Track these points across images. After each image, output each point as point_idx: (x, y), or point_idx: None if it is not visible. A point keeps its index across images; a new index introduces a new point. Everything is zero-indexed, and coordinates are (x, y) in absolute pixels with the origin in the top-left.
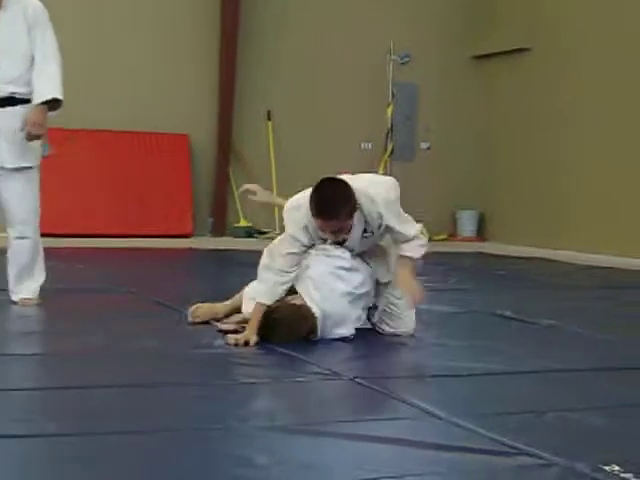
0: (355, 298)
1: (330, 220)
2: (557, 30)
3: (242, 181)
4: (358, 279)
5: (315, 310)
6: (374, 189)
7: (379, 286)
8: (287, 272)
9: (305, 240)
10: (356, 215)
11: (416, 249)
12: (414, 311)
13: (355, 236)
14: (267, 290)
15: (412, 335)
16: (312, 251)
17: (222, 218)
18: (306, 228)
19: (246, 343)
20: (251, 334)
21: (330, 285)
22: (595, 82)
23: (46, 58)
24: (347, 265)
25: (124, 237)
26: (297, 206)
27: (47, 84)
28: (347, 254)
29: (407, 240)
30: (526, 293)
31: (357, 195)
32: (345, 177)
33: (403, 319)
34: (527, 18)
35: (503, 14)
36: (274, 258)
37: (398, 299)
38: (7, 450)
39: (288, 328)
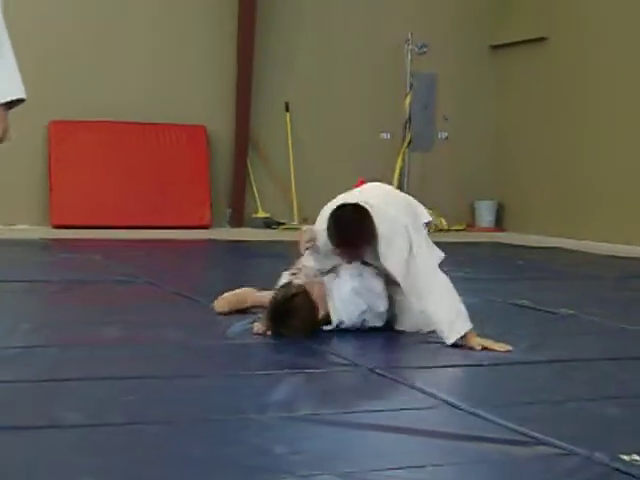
0: (374, 316)
1: (347, 247)
2: (574, 19)
3: (260, 172)
4: (382, 305)
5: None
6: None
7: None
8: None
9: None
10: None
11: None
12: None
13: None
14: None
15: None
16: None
17: (240, 209)
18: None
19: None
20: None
21: (353, 302)
22: (613, 71)
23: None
24: (377, 289)
25: (142, 229)
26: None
27: (7, 81)
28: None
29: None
30: (544, 283)
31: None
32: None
33: (406, 317)
34: (544, 7)
35: (520, 3)
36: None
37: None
38: (26, 441)
39: (301, 315)
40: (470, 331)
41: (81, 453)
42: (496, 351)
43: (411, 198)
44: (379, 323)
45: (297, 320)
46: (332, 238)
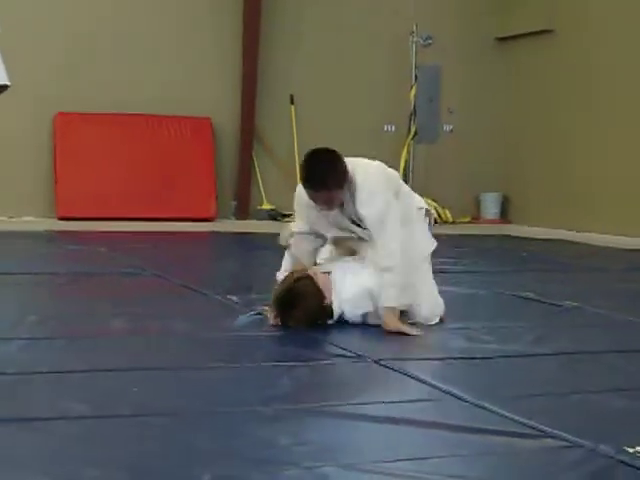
0: (377, 317)
1: (318, 191)
2: (580, 11)
3: (265, 164)
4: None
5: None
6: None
7: None
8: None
9: (308, 216)
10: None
11: (391, 293)
12: (438, 300)
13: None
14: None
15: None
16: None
17: (245, 201)
18: (308, 205)
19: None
20: None
21: (361, 303)
22: (618, 63)
23: None
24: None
25: (148, 221)
26: (298, 193)
27: None
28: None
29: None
30: (549, 275)
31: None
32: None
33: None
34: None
35: None
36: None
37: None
38: (33, 432)
39: (307, 301)
40: (394, 309)
41: (87, 444)
42: (406, 334)
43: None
44: (380, 322)
45: (302, 307)
46: (304, 181)
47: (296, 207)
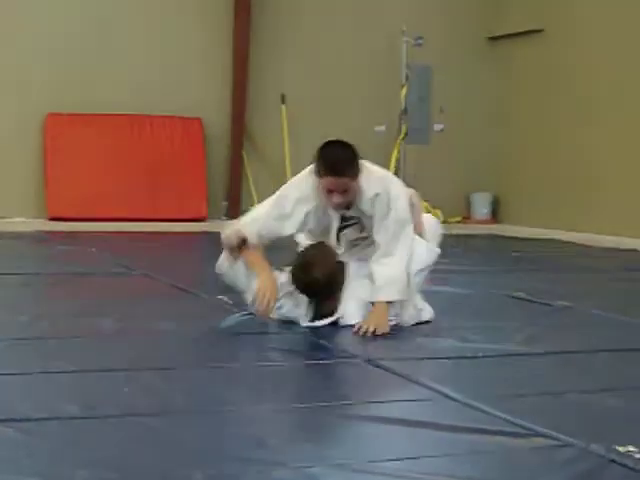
0: None
1: (340, 177)
2: (570, 11)
3: (256, 165)
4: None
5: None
6: (379, 170)
7: None
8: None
9: (291, 212)
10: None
11: (391, 288)
12: (416, 301)
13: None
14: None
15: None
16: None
17: (236, 201)
18: (302, 201)
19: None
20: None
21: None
22: (609, 63)
23: None
24: None
25: (138, 221)
26: (298, 185)
27: None
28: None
29: (386, 261)
30: (540, 275)
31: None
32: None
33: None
34: None
35: None
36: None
37: None
38: (22, 433)
39: (324, 261)
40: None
41: (77, 445)
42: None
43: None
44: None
45: (321, 266)
46: (328, 166)
47: (283, 207)
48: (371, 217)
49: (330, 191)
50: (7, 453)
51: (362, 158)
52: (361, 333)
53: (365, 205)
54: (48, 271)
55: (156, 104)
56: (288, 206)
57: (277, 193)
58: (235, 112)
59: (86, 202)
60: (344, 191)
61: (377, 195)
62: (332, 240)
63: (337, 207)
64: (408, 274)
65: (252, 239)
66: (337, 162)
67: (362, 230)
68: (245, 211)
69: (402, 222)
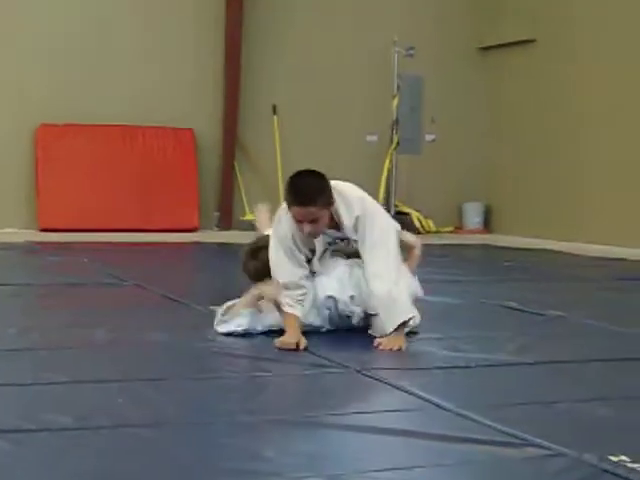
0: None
1: (307, 206)
2: (562, 21)
3: (248, 175)
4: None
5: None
6: (355, 192)
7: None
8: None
9: (296, 247)
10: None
11: (397, 312)
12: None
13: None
14: (292, 301)
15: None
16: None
17: (228, 212)
18: (293, 238)
19: (297, 347)
20: (299, 337)
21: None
22: (601, 73)
23: None
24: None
25: (130, 232)
26: (278, 220)
27: None
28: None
29: (376, 275)
30: (532, 284)
31: (334, 192)
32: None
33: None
34: (532, 9)
35: (508, 6)
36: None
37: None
38: (13, 444)
39: None
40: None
41: (68, 456)
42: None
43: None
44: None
45: (265, 252)
46: (293, 196)
47: (280, 253)
48: (355, 241)
49: (300, 221)
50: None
51: (335, 181)
52: (381, 348)
53: (348, 231)
54: (39, 282)
55: (148, 115)
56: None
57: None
58: (227, 123)
59: (78, 213)
60: (313, 220)
61: (357, 218)
62: (314, 262)
63: (309, 236)
64: (403, 284)
65: (295, 310)
66: (303, 192)
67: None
68: (237, 221)
69: (386, 232)
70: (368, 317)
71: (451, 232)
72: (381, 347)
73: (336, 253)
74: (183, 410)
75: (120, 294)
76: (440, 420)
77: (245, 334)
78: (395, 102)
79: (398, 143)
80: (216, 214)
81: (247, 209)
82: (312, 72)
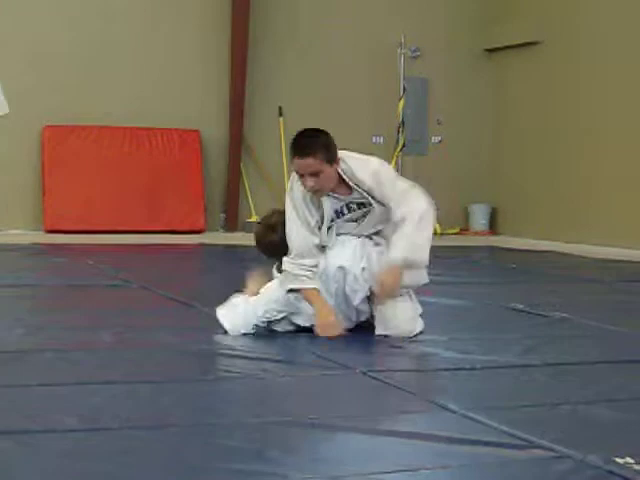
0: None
1: (306, 157)
2: (568, 23)
3: (254, 177)
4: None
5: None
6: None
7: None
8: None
9: (308, 212)
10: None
11: (412, 246)
12: (411, 314)
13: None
14: (301, 278)
15: (414, 336)
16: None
17: (234, 213)
18: (304, 200)
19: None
20: (334, 313)
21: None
22: (607, 74)
23: None
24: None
25: (136, 233)
26: (290, 188)
27: None
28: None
29: (402, 218)
30: (538, 286)
31: (343, 156)
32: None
33: (394, 322)
34: (538, 11)
35: (514, 7)
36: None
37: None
38: (20, 446)
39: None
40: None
41: (75, 458)
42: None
43: None
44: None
45: (280, 228)
46: (292, 150)
47: (296, 219)
48: (377, 202)
49: (301, 175)
50: (5, 465)
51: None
52: (377, 289)
53: (364, 184)
54: (45, 283)
55: (154, 116)
56: (301, 214)
57: (287, 217)
58: (233, 124)
59: (83, 214)
60: (314, 174)
61: (375, 172)
62: (323, 232)
63: (311, 191)
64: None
65: (314, 283)
66: (301, 144)
67: (363, 218)
68: (243, 223)
69: (410, 187)
70: (367, 302)
71: (457, 234)
72: (379, 279)
73: (346, 234)
74: (189, 411)
75: (126, 296)
76: (445, 422)
77: (255, 332)
78: (401, 104)
79: (404, 145)
80: (222, 216)
81: (253, 211)
82: (318, 73)
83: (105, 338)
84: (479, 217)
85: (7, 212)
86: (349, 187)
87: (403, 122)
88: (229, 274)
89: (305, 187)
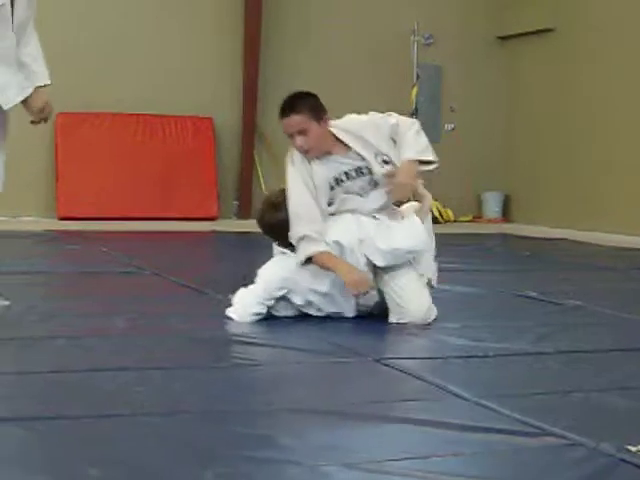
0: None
1: (291, 115)
2: (581, 10)
3: (267, 164)
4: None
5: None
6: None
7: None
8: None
9: (310, 178)
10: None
11: (419, 147)
12: (425, 302)
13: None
14: (314, 240)
15: (427, 323)
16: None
17: (247, 201)
18: (306, 167)
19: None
20: (359, 273)
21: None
22: (620, 61)
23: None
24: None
25: (149, 220)
26: (291, 162)
27: (41, 66)
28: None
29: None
30: (552, 274)
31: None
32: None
33: (408, 308)
34: None
35: None
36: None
37: (400, 288)
38: (32, 432)
39: None
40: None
41: (87, 444)
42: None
43: None
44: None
45: (284, 207)
46: (279, 114)
47: (301, 185)
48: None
49: (291, 136)
50: (17, 452)
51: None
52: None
53: (367, 134)
54: (58, 270)
55: (167, 103)
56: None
57: (290, 187)
58: (246, 111)
59: (97, 201)
60: (301, 132)
61: (366, 116)
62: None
63: (302, 151)
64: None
65: (323, 246)
66: (286, 102)
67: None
68: (256, 210)
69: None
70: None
71: (470, 221)
72: (396, 180)
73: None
74: (201, 398)
75: (139, 283)
76: (458, 409)
77: (267, 317)
78: (414, 91)
79: None
80: (235, 203)
81: None
82: (331, 61)
83: (118, 325)
84: (492, 204)
85: (21, 199)
86: (346, 146)
87: (416, 109)
88: (242, 261)
89: (295, 147)
